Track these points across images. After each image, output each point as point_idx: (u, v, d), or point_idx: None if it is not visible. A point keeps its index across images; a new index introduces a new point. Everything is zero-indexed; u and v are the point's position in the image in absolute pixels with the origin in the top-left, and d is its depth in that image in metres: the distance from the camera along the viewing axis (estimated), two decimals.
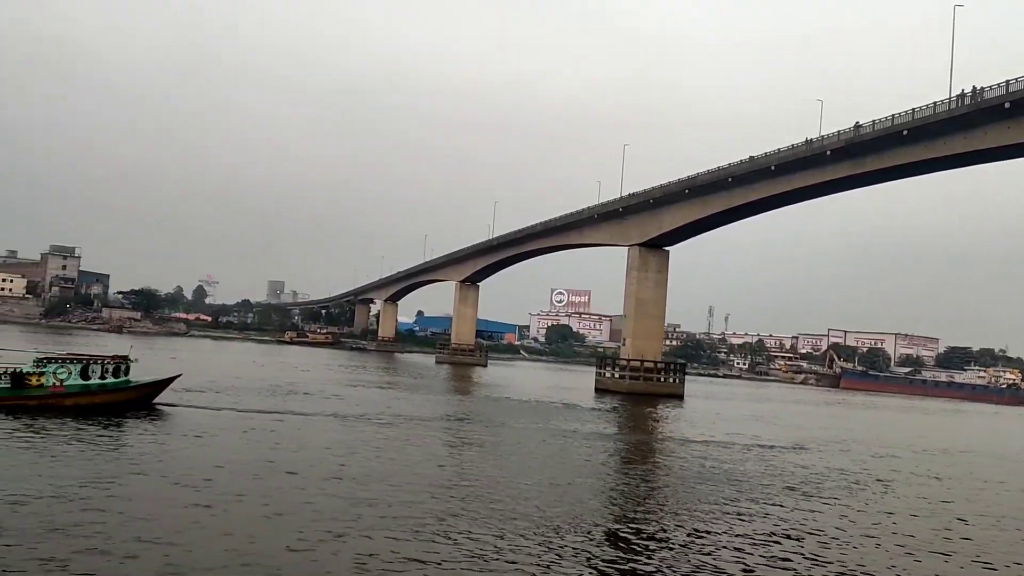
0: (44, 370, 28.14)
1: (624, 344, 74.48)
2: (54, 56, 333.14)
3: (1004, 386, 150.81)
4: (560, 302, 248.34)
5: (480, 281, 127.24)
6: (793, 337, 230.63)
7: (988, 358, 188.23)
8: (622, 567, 13.57)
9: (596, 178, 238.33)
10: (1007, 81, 44.68)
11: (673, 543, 15.47)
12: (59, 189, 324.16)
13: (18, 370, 27.73)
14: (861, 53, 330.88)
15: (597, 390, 69.52)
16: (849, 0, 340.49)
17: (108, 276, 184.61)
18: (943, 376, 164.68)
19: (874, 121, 51.81)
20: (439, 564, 12.84)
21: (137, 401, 30.25)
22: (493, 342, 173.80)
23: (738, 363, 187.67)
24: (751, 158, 61.62)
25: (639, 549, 14.85)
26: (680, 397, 68.14)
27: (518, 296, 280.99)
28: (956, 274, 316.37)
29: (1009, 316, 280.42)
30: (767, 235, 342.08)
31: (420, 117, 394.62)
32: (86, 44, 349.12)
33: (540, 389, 68.15)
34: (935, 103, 47.99)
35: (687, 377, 76.54)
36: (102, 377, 29.52)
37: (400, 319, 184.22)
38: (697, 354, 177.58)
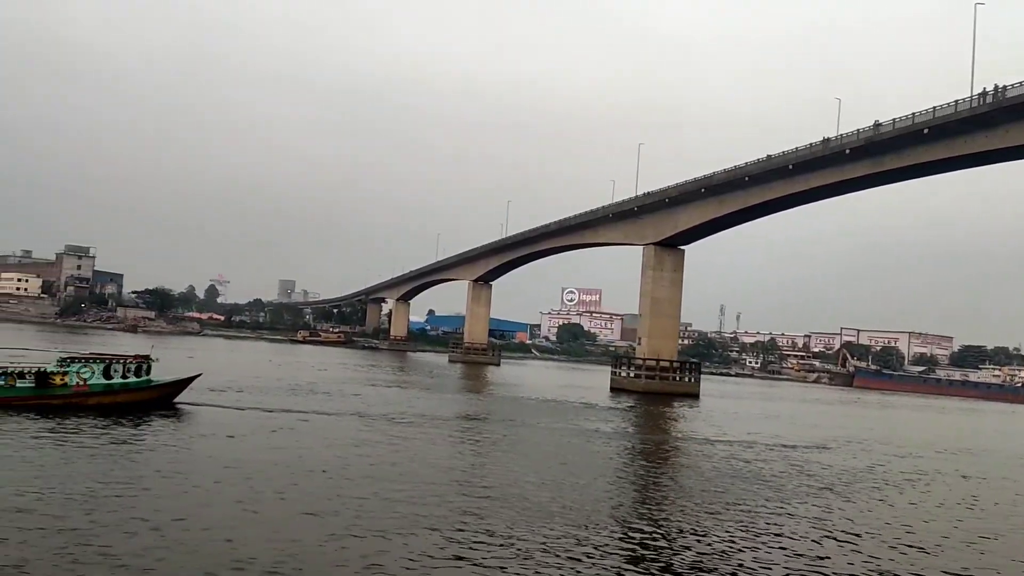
0: (68, 369, 28.37)
1: (639, 343, 74.46)
2: (55, 56, 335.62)
3: (1019, 385, 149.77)
4: (571, 301, 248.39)
5: (493, 280, 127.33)
6: (805, 336, 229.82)
7: (1003, 357, 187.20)
8: (669, 565, 13.63)
9: (608, 178, 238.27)
10: None
11: (715, 541, 15.51)
12: (72, 190, 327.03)
13: (42, 369, 28.00)
14: (870, 53, 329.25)
15: (612, 389, 69.53)
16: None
17: (122, 276, 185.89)
18: (957, 375, 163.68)
19: (894, 120, 51.65)
20: (480, 564, 12.92)
21: (158, 400, 30.46)
22: (505, 341, 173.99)
23: (750, 362, 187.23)
24: (768, 157, 61.47)
25: (683, 547, 14.92)
26: (696, 396, 68.06)
27: (529, 295, 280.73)
28: (970, 272, 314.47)
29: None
30: (777, 233, 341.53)
31: (428, 117, 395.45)
32: (92, 44, 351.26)
33: (555, 388, 68.23)
34: (956, 102, 47.87)
35: (701, 376, 76.56)
36: (124, 376, 29.73)
37: (411, 318, 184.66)
38: (708, 353, 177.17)
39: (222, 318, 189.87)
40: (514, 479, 20.80)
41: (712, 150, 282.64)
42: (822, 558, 14.88)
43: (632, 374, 71.74)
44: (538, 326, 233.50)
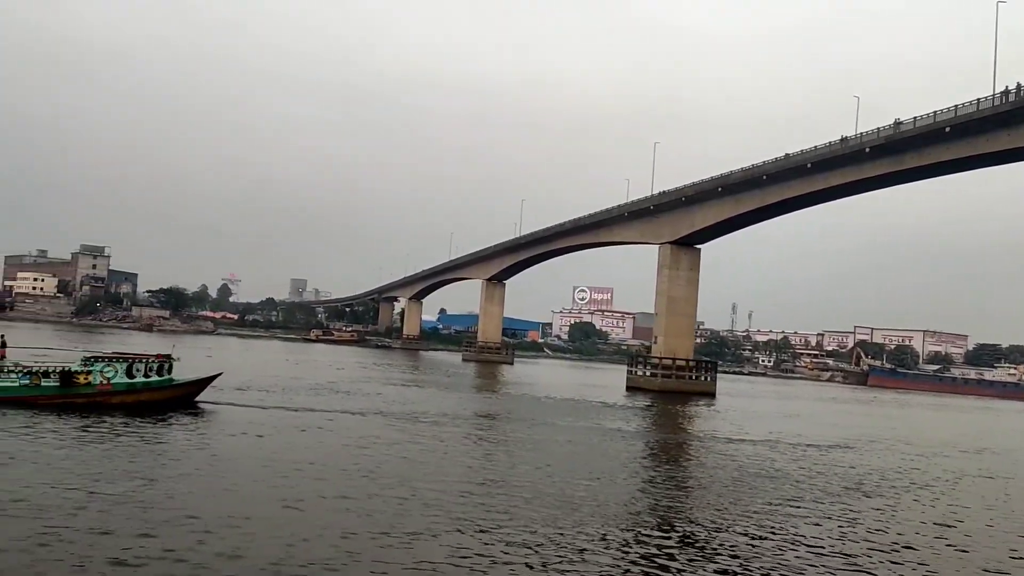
0: (91, 369, 28.58)
1: (655, 342, 74.49)
2: (72, 56, 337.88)
3: None
4: (583, 300, 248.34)
5: (507, 279, 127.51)
6: (818, 334, 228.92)
7: (1018, 355, 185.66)
8: (700, 564, 13.70)
9: (622, 177, 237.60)
10: None
11: (746, 540, 15.54)
12: (86, 190, 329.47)
13: (67, 369, 28.29)
14: (886, 53, 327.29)
15: (629, 388, 69.59)
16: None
17: (136, 275, 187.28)
18: (973, 374, 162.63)
19: (915, 118, 51.46)
20: (528, 565, 13.04)
21: (180, 400, 30.60)
22: (517, 340, 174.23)
23: (763, 361, 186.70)
24: (786, 155, 61.37)
25: (716, 547, 14.96)
26: (712, 395, 68.04)
27: (540, 294, 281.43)
28: (985, 270, 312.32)
29: None
30: (790, 231, 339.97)
31: (441, 117, 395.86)
32: (104, 44, 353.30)
33: (571, 387, 68.33)
34: (978, 100, 47.65)
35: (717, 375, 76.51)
36: (146, 375, 29.89)
37: (423, 317, 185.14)
38: (721, 352, 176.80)
39: (235, 317, 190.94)
40: (546, 477, 20.89)
41: (728, 149, 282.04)
42: (867, 558, 14.90)
43: (648, 373, 71.78)
44: (550, 325, 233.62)
